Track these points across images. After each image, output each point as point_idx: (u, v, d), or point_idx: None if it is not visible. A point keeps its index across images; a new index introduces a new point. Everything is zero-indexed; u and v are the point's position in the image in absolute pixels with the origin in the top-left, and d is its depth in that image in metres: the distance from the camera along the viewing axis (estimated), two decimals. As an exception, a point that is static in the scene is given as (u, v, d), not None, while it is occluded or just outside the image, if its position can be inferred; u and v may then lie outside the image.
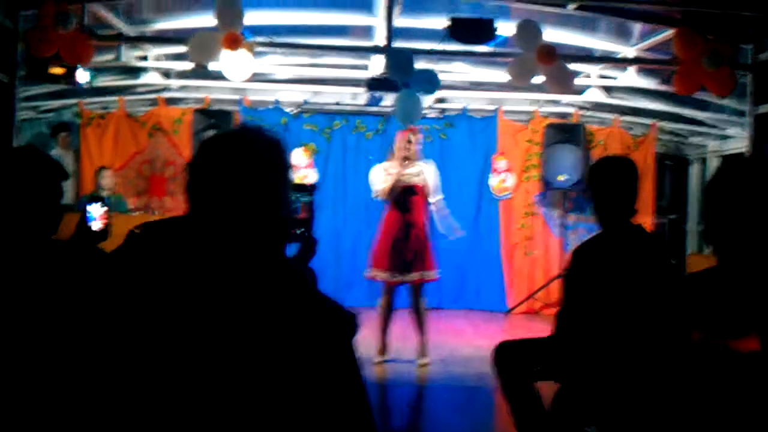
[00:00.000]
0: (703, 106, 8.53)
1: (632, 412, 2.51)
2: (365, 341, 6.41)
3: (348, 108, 9.14)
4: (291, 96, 9.09)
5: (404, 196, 6.17)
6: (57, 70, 6.38)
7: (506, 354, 3.71)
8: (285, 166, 1.85)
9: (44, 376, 2.25)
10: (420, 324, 6.36)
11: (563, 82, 6.55)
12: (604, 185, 3.55)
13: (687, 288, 2.28)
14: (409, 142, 6.19)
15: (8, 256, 2.40)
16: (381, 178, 6.23)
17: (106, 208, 3.01)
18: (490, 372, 3.82)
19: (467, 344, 7.42)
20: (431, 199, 6.31)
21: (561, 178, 8.70)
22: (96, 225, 2.99)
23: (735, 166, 2.45)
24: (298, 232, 4.01)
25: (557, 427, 3.07)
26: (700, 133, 9.47)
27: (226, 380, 1.66)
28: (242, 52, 6.43)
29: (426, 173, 6.27)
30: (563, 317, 3.52)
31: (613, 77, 8.24)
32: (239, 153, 1.77)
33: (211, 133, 8.33)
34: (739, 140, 8.38)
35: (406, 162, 6.15)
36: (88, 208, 2.97)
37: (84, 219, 2.99)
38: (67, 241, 2.76)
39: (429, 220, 6.37)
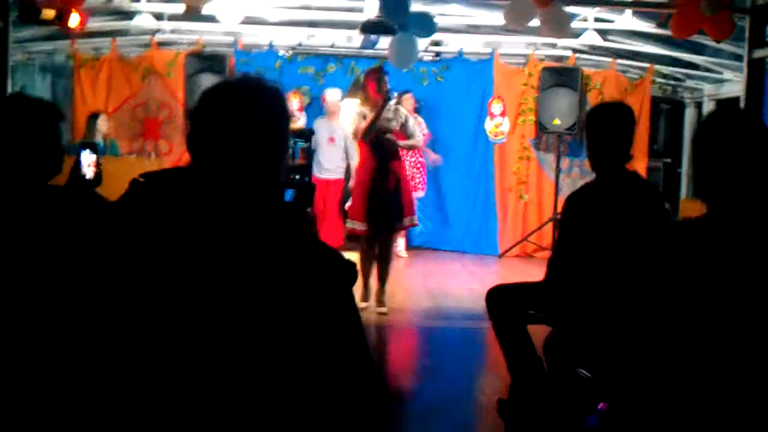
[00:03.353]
0: (699, 49, 8.49)
1: (622, 355, 2.58)
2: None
3: (342, 51, 9.07)
4: (285, 39, 9.01)
5: (379, 140, 6.03)
6: (49, 14, 6.31)
7: (499, 298, 3.78)
8: (286, 116, 1.88)
9: (43, 320, 2.30)
10: (383, 271, 6.21)
11: (559, 26, 6.51)
12: (600, 131, 3.58)
13: (675, 236, 2.32)
14: (382, 84, 5.97)
15: (8, 200, 2.43)
16: (354, 119, 6.12)
17: (95, 156, 3.03)
18: (483, 313, 3.91)
19: (460, 286, 7.52)
20: (415, 142, 6.33)
21: (556, 122, 8.70)
22: (88, 172, 3.02)
23: (723, 115, 2.48)
24: (296, 177, 4.07)
25: (549, 369, 3.14)
26: (697, 77, 9.45)
27: (226, 326, 1.71)
28: (235, -5, 6.38)
29: (400, 116, 6.20)
30: (556, 261, 3.58)
31: (610, 20, 8.17)
32: (241, 103, 1.79)
33: (205, 77, 8.30)
34: (735, 84, 8.37)
35: (380, 105, 5.91)
36: (81, 155, 3.00)
37: (77, 166, 3.02)
38: (63, 186, 2.78)
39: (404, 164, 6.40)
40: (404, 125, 6.20)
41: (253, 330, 1.71)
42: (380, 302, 6.20)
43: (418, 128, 6.44)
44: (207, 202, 1.76)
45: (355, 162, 7.66)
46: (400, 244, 8.50)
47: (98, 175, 3.06)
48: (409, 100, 8.31)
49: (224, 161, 1.77)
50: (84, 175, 3.04)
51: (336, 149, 8.32)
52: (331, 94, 8.44)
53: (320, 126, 8.38)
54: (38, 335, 2.29)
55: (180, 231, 1.75)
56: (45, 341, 2.27)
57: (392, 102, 6.17)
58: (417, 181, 8.60)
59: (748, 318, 2.08)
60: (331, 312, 1.77)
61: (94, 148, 3.11)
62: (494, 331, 3.79)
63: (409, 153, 8.19)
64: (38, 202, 2.46)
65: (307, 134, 4.07)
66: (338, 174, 8.32)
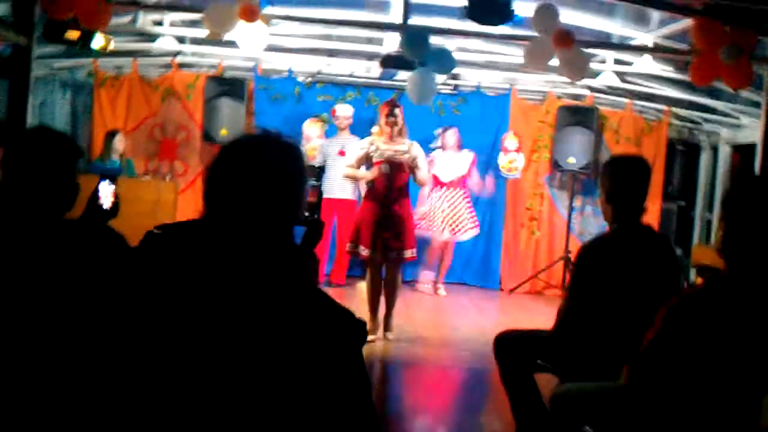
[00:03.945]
0: (717, 94, 8.49)
1: (629, 414, 2.56)
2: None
3: (361, 80, 9.12)
4: (304, 65, 9.06)
5: (389, 171, 6.12)
6: (73, 34, 6.37)
7: (507, 345, 3.77)
8: (303, 173, 1.90)
9: (52, 356, 2.31)
10: (390, 299, 6.31)
11: (578, 68, 6.52)
12: (617, 184, 3.59)
13: (694, 300, 2.32)
14: (392, 115, 6.16)
15: (23, 235, 2.45)
16: (356, 153, 6.29)
17: (113, 187, 3.05)
18: (490, 352, 3.89)
19: (468, 323, 7.50)
20: (421, 177, 6.36)
21: (571, 160, 8.70)
22: (106, 202, 3.04)
23: (760, 178, 2.50)
24: (305, 215, 4.06)
25: (555, 423, 3.13)
26: (714, 121, 9.44)
27: (231, 379, 1.71)
28: (258, 24, 6.42)
29: (414, 150, 6.27)
30: (567, 313, 3.57)
31: (628, 62, 8.19)
32: (258, 163, 1.81)
33: (224, 100, 8.38)
34: (752, 130, 8.35)
35: (393, 134, 6.16)
36: (99, 186, 3.02)
37: (96, 196, 3.03)
38: (78, 219, 2.80)
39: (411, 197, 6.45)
40: (414, 160, 6.25)
41: (257, 388, 1.72)
42: (387, 326, 6.32)
43: (426, 167, 6.47)
44: (219, 258, 1.77)
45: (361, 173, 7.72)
46: (428, 279, 8.61)
47: (116, 206, 3.08)
48: (452, 135, 8.44)
49: (239, 217, 1.79)
50: (101, 206, 3.05)
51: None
52: (342, 109, 8.50)
53: (330, 142, 8.42)
54: (49, 365, 2.31)
55: (190, 285, 1.76)
56: (56, 372, 2.29)
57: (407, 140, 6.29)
58: (468, 218, 8.52)
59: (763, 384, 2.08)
60: (338, 373, 1.77)
61: (113, 179, 3.13)
62: (501, 377, 3.79)
63: (456, 189, 8.35)
64: (53, 238, 2.48)
65: (318, 172, 4.08)
66: (349, 193, 8.21)
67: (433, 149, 8.59)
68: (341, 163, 8.08)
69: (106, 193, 3.06)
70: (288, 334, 1.73)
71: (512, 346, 3.74)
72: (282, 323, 1.73)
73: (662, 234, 4.54)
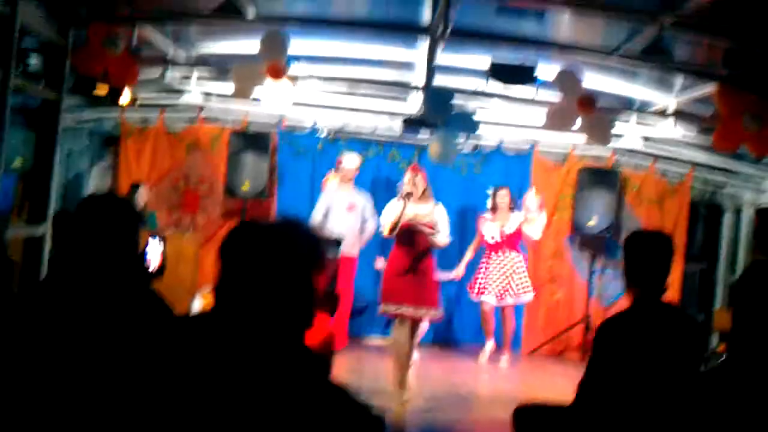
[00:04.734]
0: (740, 156, 8.47)
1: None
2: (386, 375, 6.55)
3: (384, 137, 9.16)
4: (328, 120, 9.14)
5: (411, 233, 6.31)
6: (102, 90, 6.49)
7: (526, 419, 3.72)
8: (319, 263, 1.87)
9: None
10: (408, 358, 6.39)
11: (602, 132, 6.54)
12: (638, 261, 3.56)
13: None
14: (414, 179, 6.38)
15: (97, 301, 2.43)
16: (391, 214, 6.40)
17: (162, 247, 3.05)
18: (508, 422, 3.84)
19: (489, 386, 7.42)
20: (438, 240, 6.41)
21: (592, 222, 8.67)
22: (153, 262, 3.05)
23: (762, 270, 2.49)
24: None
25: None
26: (737, 184, 9.39)
27: None
28: (284, 82, 6.51)
29: (436, 213, 6.42)
30: (586, 388, 3.52)
31: (651, 124, 8.20)
32: (274, 252, 1.79)
33: (247, 155, 8.44)
34: (775, 192, 8.33)
35: (413, 199, 6.32)
36: (150, 244, 3.02)
37: (143, 255, 3.03)
38: (126, 281, 2.73)
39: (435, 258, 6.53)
40: (436, 223, 6.38)
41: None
42: (402, 387, 6.30)
43: (446, 230, 6.50)
44: (235, 357, 1.74)
45: (372, 226, 7.66)
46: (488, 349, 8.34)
47: (162, 267, 3.08)
48: (504, 196, 8.33)
49: (251, 310, 1.76)
50: (148, 267, 3.06)
51: (355, 219, 8.18)
52: (349, 160, 8.42)
53: (336, 191, 8.28)
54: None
55: (200, 381, 1.74)
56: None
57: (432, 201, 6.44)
58: (523, 282, 8.30)
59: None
60: None
61: (163, 238, 3.13)
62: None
63: (508, 252, 8.21)
64: (104, 307, 2.44)
65: (336, 243, 4.07)
66: (354, 250, 8.04)
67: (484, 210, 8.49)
68: (350, 219, 8.12)
69: (155, 253, 3.07)
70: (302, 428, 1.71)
71: (531, 421, 3.69)
72: (298, 424, 1.71)
73: (683, 310, 4.49)
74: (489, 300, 8.16)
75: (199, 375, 1.75)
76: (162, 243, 3.09)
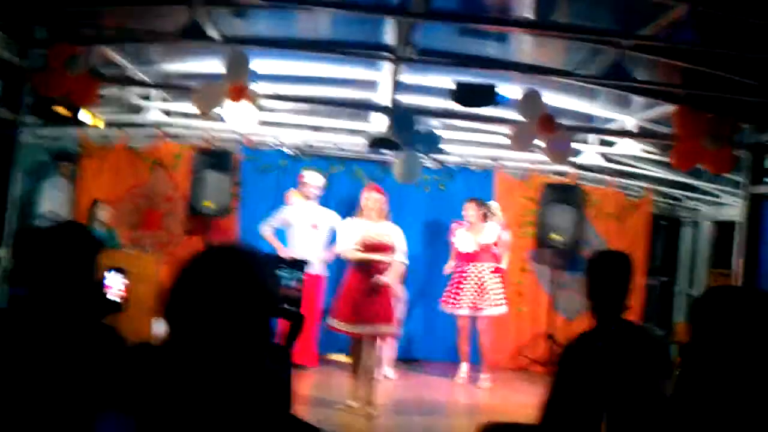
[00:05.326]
0: (698, 173, 8.61)
1: None
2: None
3: (348, 154, 9.16)
4: (292, 138, 9.11)
5: (374, 260, 6.40)
6: (61, 111, 6.41)
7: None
8: (266, 286, 1.83)
9: None
10: (367, 375, 6.44)
11: (562, 152, 6.63)
12: (600, 281, 3.61)
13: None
14: (373, 200, 6.50)
15: (50, 332, 2.41)
16: (349, 236, 6.49)
17: (126, 281, 3.00)
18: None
19: (453, 400, 7.44)
20: (396, 259, 6.53)
21: (555, 237, 8.75)
22: (113, 295, 2.99)
23: (722, 295, 2.55)
24: (290, 308, 4.05)
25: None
26: (695, 198, 9.56)
27: None
28: (246, 104, 6.48)
29: (393, 233, 6.53)
30: (552, 409, 3.55)
31: (611, 142, 8.31)
32: (218, 277, 1.77)
33: (210, 173, 8.37)
34: (732, 208, 8.47)
35: (371, 218, 6.44)
36: (108, 276, 2.97)
37: (101, 287, 2.98)
38: (81, 313, 2.71)
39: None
40: (393, 243, 6.52)
41: None
42: (369, 403, 6.37)
43: (404, 248, 6.60)
44: (183, 380, 1.74)
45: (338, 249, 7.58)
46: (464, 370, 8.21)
47: (125, 301, 3.02)
48: (470, 209, 8.18)
49: (202, 335, 1.75)
50: (108, 300, 3.00)
51: (319, 238, 8.08)
52: (312, 177, 8.31)
53: (299, 209, 8.18)
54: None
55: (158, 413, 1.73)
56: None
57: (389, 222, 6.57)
58: (497, 294, 8.13)
59: None
60: None
61: (124, 272, 3.08)
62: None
63: (479, 263, 8.09)
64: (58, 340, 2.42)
65: (301, 265, 4.06)
66: (319, 268, 7.88)
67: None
68: (313, 238, 8.07)
69: (117, 286, 3.02)
70: None
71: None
72: None
73: (645, 330, 4.54)
74: (462, 312, 8.08)
75: (155, 407, 1.75)
76: (124, 276, 3.03)
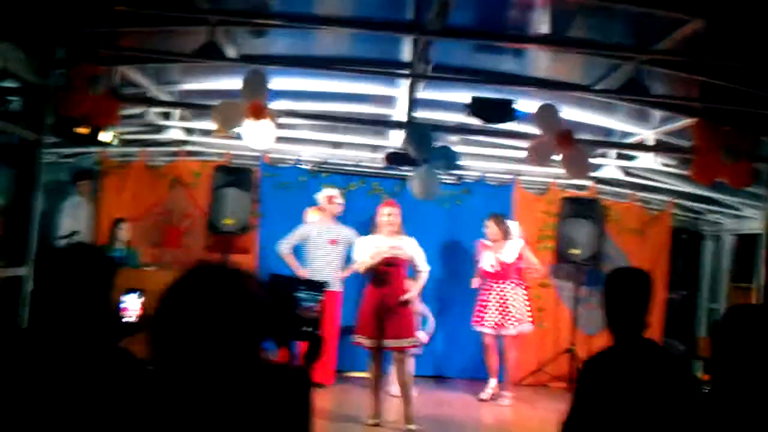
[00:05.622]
0: (719, 187, 8.54)
1: None
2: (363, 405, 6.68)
3: (367, 170, 9.19)
4: (311, 154, 9.16)
5: (385, 268, 6.55)
6: (82, 131, 6.48)
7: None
8: (251, 306, 1.81)
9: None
10: (404, 390, 6.63)
11: (580, 167, 6.60)
12: (618, 299, 3.58)
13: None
14: (388, 215, 6.70)
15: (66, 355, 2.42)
16: (364, 252, 6.63)
17: (142, 299, 2.99)
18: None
19: (474, 417, 7.40)
20: (421, 276, 6.72)
21: (575, 251, 8.71)
22: (130, 317, 2.98)
23: (742, 315, 2.54)
24: (308, 330, 4.03)
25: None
26: (716, 211, 9.48)
27: None
28: (265, 122, 6.51)
29: (410, 247, 6.68)
30: (570, 428, 3.53)
31: (631, 156, 8.27)
32: (201, 301, 1.77)
33: (230, 190, 8.41)
34: (754, 221, 8.40)
35: (387, 233, 6.62)
36: (123, 298, 2.96)
37: (117, 311, 2.98)
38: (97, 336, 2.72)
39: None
40: (413, 257, 6.68)
41: None
42: (408, 419, 6.51)
43: (422, 257, 6.76)
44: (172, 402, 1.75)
45: (354, 267, 7.45)
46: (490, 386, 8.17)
47: (143, 320, 2.99)
48: (490, 226, 8.20)
49: (184, 356, 1.75)
50: (124, 322, 2.99)
51: (338, 253, 8.10)
52: (337, 194, 8.38)
53: (318, 226, 8.21)
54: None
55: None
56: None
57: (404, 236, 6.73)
58: (522, 312, 8.14)
59: None
60: None
61: (142, 292, 3.06)
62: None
63: (505, 281, 8.09)
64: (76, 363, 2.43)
65: (321, 286, 4.04)
66: (337, 285, 7.91)
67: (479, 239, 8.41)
68: (332, 253, 8.09)
69: (134, 307, 3.01)
70: None
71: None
72: None
73: (665, 348, 4.51)
74: (487, 330, 8.07)
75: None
76: (141, 296, 3.01)
